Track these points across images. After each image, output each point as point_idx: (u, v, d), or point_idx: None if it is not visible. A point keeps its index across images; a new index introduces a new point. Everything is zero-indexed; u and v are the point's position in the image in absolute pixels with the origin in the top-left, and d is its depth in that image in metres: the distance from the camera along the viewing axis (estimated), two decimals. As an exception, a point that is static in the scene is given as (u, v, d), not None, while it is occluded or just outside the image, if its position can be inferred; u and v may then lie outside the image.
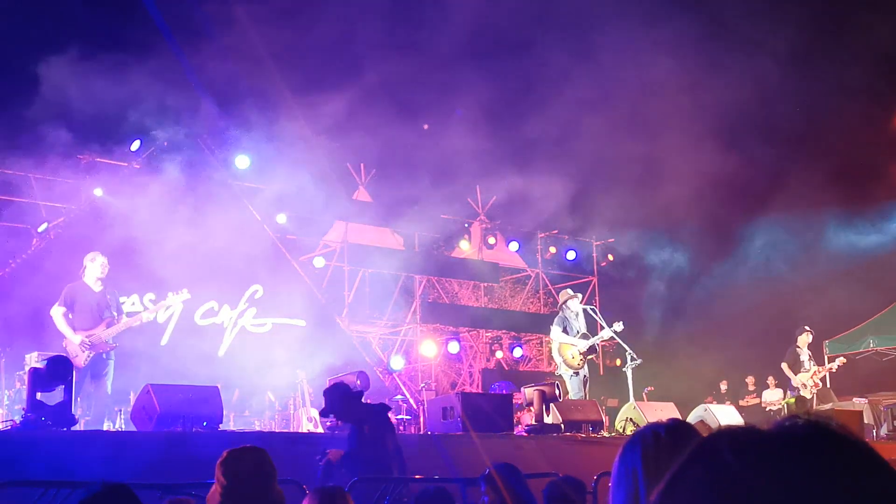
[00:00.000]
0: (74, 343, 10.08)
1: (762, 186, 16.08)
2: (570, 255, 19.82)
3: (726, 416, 11.97)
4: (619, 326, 12.60)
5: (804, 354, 13.98)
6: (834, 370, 14.32)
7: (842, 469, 0.78)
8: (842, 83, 15.22)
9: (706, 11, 15.15)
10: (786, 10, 15.26)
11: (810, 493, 0.76)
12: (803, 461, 0.78)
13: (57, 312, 10.24)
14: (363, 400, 7.39)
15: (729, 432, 0.84)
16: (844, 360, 14.87)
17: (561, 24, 14.94)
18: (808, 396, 13.77)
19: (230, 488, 3.42)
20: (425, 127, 17.01)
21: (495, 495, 4.94)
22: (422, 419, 13.83)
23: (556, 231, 19.62)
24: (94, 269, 10.56)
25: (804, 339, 13.97)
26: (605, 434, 11.18)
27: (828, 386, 14.94)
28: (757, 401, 16.76)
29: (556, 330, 12.66)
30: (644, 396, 14.36)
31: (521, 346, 19.15)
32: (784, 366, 13.95)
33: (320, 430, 12.18)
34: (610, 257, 19.85)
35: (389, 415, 7.35)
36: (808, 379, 13.81)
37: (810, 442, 0.81)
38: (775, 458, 0.79)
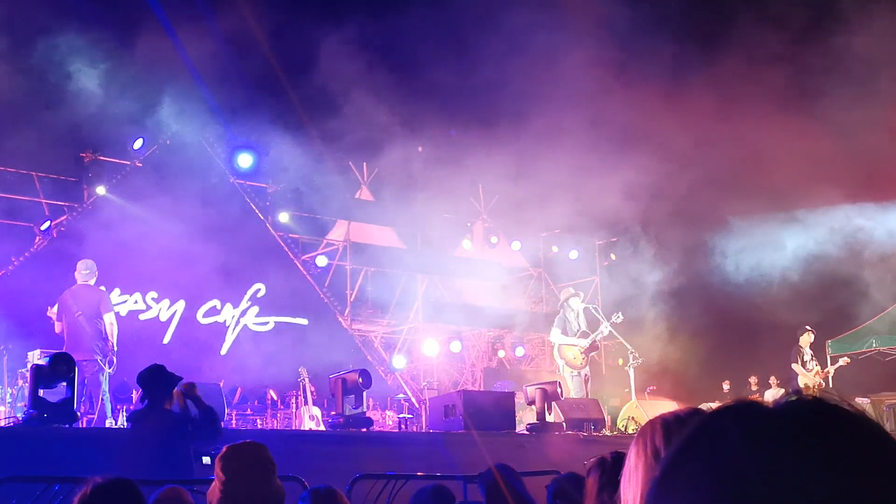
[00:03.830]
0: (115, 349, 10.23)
1: (765, 182, 16.04)
2: (573, 255, 19.81)
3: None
4: (617, 318, 12.58)
5: (807, 355, 13.94)
6: (832, 373, 14.25)
7: (855, 444, 0.78)
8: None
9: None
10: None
11: (827, 467, 0.75)
12: (817, 437, 0.78)
13: (114, 319, 10.33)
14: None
15: (733, 409, 0.84)
16: (848, 360, 14.82)
17: (567, 22, 14.92)
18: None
19: (230, 483, 3.42)
20: (420, 149, 17.06)
21: (493, 495, 4.94)
22: (423, 418, 13.85)
23: (558, 230, 19.60)
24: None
25: (806, 339, 13.92)
26: (607, 433, 11.18)
27: (830, 386, 14.90)
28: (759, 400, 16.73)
29: (555, 332, 12.64)
30: (646, 395, 14.37)
31: (523, 346, 19.15)
32: (796, 366, 13.89)
33: (322, 427, 12.20)
34: (612, 256, 19.83)
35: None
36: (811, 379, 13.76)
37: (822, 418, 0.80)
38: (786, 434, 0.79)
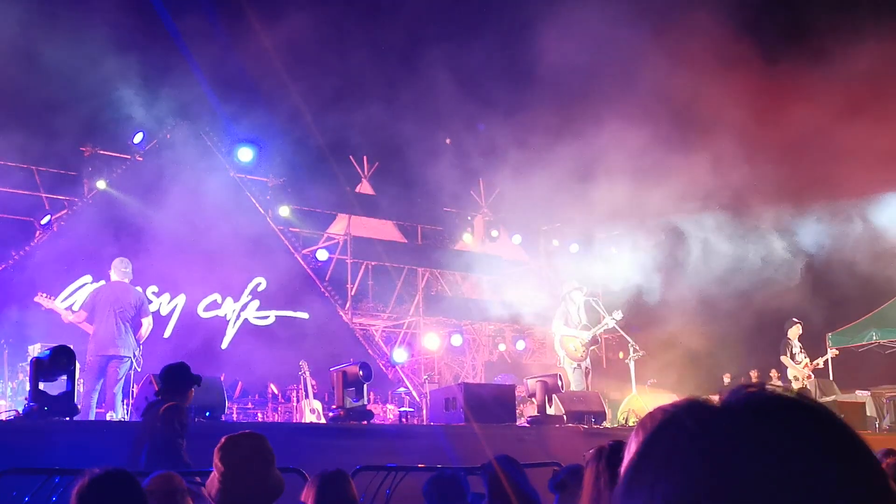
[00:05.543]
0: None
1: (768, 178, 16.00)
2: (573, 248, 19.79)
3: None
4: (618, 315, 12.58)
5: (795, 347, 13.90)
6: (821, 365, 14.21)
7: (802, 431, 0.80)
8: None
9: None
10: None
11: (773, 455, 0.78)
12: (765, 427, 0.81)
13: (151, 322, 10.45)
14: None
15: (688, 404, 0.86)
16: (837, 352, 14.83)
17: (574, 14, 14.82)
18: (809, 388, 13.70)
19: (228, 474, 3.42)
20: (447, 141, 17.01)
21: (494, 487, 4.94)
22: (424, 411, 13.85)
23: (558, 223, 19.59)
24: None
25: (794, 332, 13.87)
26: (608, 426, 11.19)
27: (830, 378, 14.89)
28: (760, 394, 16.68)
29: (557, 323, 12.65)
30: (647, 389, 14.35)
31: (523, 339, 19.15)
32: (784, 359, 13.89)
33: (323, 421, 12.20)
34: (613, 250, 19.80)
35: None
36: (800, 371, 13.75)
37: (771, 409, 0.83)
38: (735, 426, 0.82)
